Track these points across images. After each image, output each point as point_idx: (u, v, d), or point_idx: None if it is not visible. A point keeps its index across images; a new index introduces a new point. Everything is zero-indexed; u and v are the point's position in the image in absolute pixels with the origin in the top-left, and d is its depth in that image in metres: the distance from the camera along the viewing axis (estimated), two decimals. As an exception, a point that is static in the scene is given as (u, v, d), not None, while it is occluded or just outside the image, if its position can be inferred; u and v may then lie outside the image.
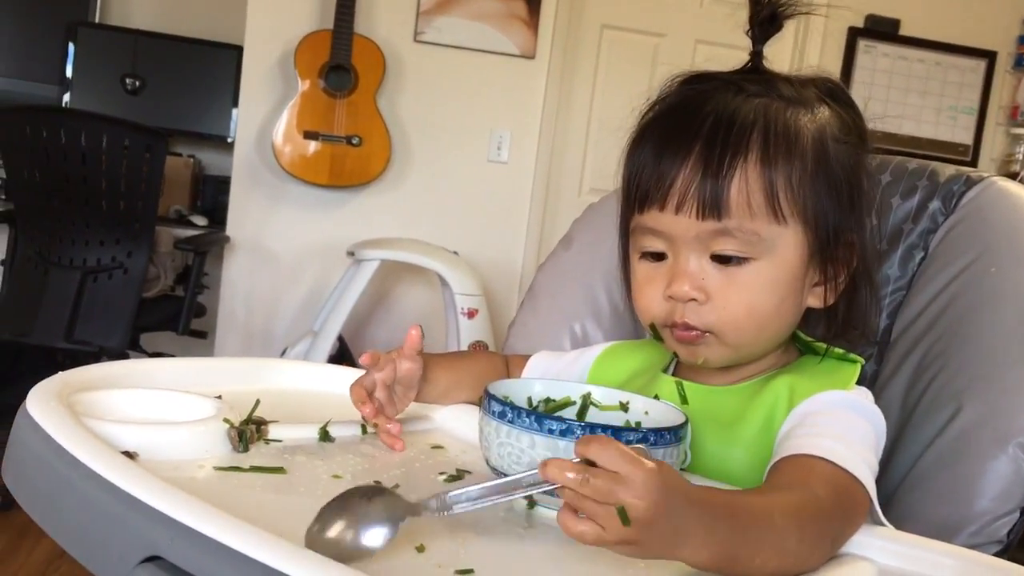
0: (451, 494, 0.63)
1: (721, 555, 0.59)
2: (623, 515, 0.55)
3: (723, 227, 0.79)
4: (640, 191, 0.83)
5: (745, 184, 0.79)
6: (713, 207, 0.79)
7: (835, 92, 0.87)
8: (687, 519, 0.57)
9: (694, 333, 0.82)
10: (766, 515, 0.63)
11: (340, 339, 3.26)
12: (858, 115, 0.87)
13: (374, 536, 0.59)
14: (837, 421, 0.78)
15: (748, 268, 0.81)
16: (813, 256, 0.83)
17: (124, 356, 2.90)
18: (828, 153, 0.82)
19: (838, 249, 0.84)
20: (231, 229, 3.52)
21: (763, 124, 0.80)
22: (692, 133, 0.80)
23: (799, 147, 0.81)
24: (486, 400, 0.75)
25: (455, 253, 3.29)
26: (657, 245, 0.84)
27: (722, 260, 0.81)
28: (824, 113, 0.84)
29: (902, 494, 0.94)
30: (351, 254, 3.24)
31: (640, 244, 0.85)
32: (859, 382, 0.86)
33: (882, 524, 0.74)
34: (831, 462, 0.71)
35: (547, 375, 1.00)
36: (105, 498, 0.59)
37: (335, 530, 0.59)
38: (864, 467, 0.73)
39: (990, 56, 4.08)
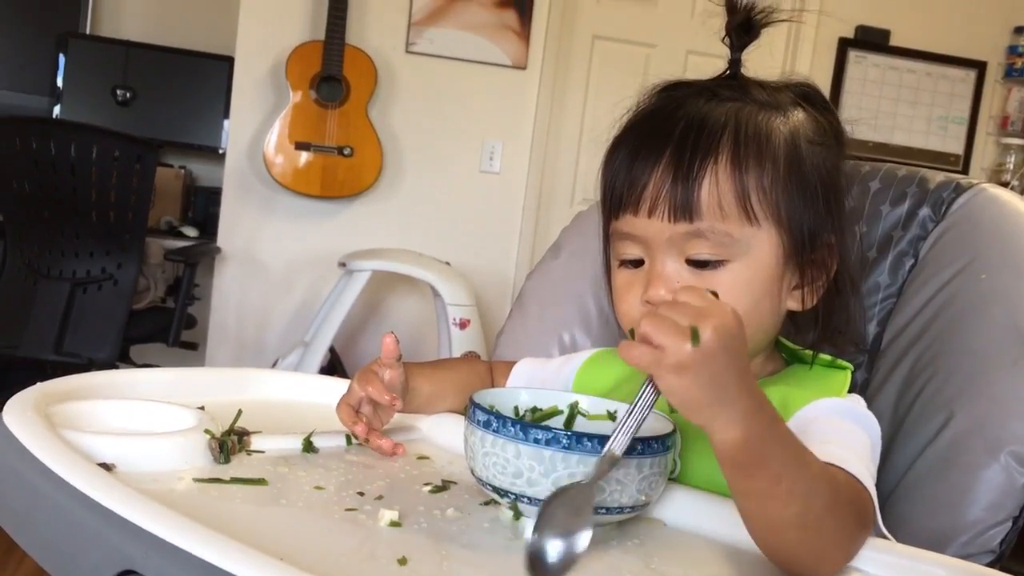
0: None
1: (749, 445, 0.61)
2: (695, 336, 0.58)
3: (695, 229, 0.79)
4: (615, 196, 0.84)
5: (716, 186, 0.79)
6: (684, 209, 0.79)
7: (810, 96, 0.87)
8: (735, 382, 0.60)
9: None
10: (806, 452, 0.64)
11: (332, 350, 3.25)
12: (834, 118, 0.87)
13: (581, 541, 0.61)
14: (837, 429, 0.77)
15: (723, 271, 0.80)
16: (790, 258, 0.83)
17: (113, 368, 2.88)
18: (801, 155, 0.82)
19: (815, 251, 0.84)
20: (222, 240, 3.51)
21: (734, 127, 0.80)
22: (664, 138, 0.81)
23: (770, 149, 0.81)
24: (471, 409, 0.74)
25: (447, 263, 3.28)
26: (634, 251, 0.84)
27: (698, 265, 0.81)
28: (798, 116, 0.84)
29: (894, 503, 0.93)
30: (343, 265, 3.23)
31: (618, 251, 0.86)
32: (850, 390, 0.85)
33: (883, 535, 0.73)
34: (844, 470, 0.70)
35: (532, 382, 0.99)
36: (79, 510, 0.58)
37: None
38: (868, 476, 0.72)
39: (980, 66, 4.09)
